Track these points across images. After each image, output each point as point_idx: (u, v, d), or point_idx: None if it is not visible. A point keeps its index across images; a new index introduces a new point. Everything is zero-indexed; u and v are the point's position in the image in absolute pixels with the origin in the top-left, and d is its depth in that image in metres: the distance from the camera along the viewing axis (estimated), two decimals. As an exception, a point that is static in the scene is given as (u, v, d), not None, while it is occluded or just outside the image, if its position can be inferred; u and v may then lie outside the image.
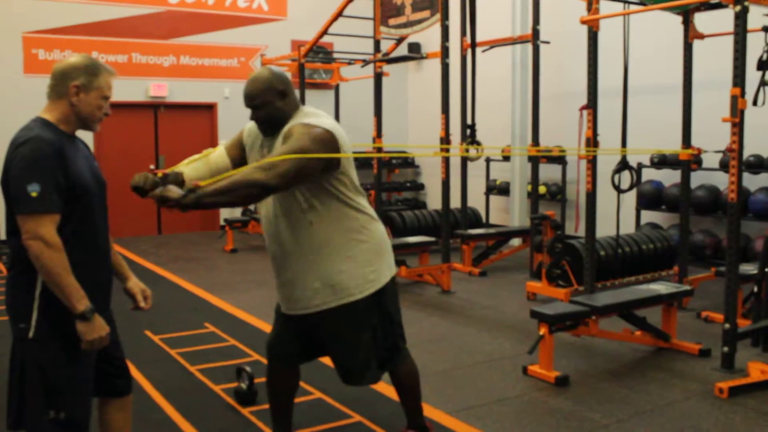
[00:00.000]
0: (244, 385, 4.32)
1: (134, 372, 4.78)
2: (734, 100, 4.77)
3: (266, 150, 3.15)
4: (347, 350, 3.24)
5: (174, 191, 2.70)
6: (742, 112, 4.79)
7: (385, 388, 4.35)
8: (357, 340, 3.20)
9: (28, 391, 2.59)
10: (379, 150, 9.22)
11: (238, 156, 3.33)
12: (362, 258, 3.15)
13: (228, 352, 5.39)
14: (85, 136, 2.79)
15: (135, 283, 2.97)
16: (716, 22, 6.59)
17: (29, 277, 2.56)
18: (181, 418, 4.12)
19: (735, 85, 4.77)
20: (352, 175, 3.15)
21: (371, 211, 3.24)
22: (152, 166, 11.86)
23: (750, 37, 4.82)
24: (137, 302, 2.96)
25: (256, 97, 3.07)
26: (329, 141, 2.96)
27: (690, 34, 6.36)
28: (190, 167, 3.27)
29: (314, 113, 3.12)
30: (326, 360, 3.50)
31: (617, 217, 6.26)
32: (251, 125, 3.29)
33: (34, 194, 2.44)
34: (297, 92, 3.23)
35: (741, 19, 4.74)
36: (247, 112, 3.15)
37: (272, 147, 3.10)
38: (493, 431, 3.94)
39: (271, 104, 3.07)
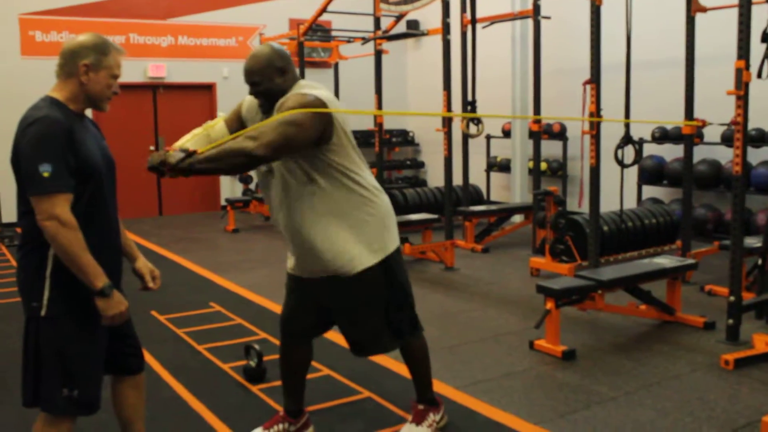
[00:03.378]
0: (252, 363, 4.34)
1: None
2: (739, 72, 4.75)
3: None
4: (352, 321, 3.28)
5: (174, 156, 2.75)
6: (746, 85, 4.78)
7: (393, 364, 4.37)
8: (363, 310, 3.23)
9: (42, 369, 2.60)
10: (380, 127, 9.20)
11: (238, 128, 3.31)
12: (365, 229, 3.15)
13: (235, 330, 5.41)
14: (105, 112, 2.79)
15: (143, 264, 2.98)
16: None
17: (41, 256, 2.56)
18: (191, 396, 4.14)
19: (739, 57, 4.76)
20: (350, 147, 3.13)
21: (375, 183, 3.25)
22: (152, 147, 11.84)
23: (754, 9, 4.80)
24: (146, 282, 2.96)
25: (256, 73, 3.07)
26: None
27: (692, 8, 6.33)
28: (191, 142, 3.29)
29: (310, 85, 3.12)
30: (335, 337, 3.53)
31: (621, 192, 6.25)
32: (250, 98, 3.28)
33: (46, 174, 2.44)
34: (297, 71, 3.21)
35: (745, -10, 4.72)
36: (247, 91, 3.16)
37: None
38: (502, 405, 3.97)
39: (270, 81, 3.07)
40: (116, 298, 2.59)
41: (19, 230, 2.69)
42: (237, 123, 3.33)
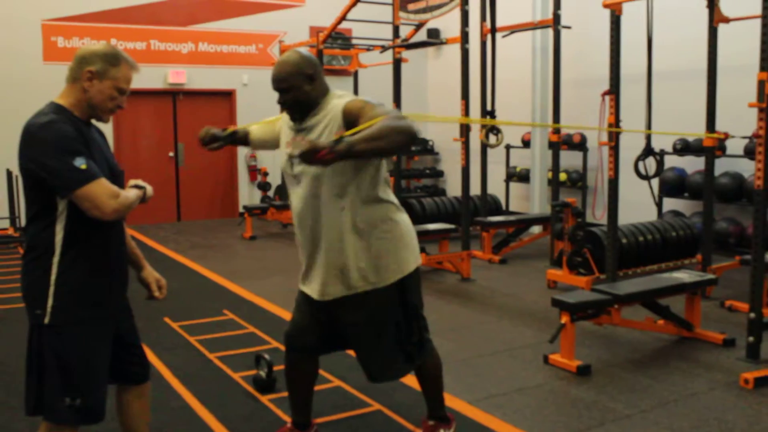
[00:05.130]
0: (263, 373, 4.30)
1: (153, 359, 4.77)
2: (761, 84, 4.66)
3: (299, 132, 3.11)
4: (367, 342, 3.20)
5: (321, 141, 2.58)
6: (769, 97, 4.69)
7: (405, 377, 4.30)
8: (377, 331, 3.17)
9: (45, 377, 2.58)
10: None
11: (270, 134, 3.51)
12: (386, 247, 3.10)
13: (247, 339, 5.37)
14: (104, 124, 2.77)
15: (149, 273, 2.95)
16: (742, 4, 6.47)
17: (45, 263, 2.54)
18: (199, 405, 4.11)
19: (762, 69, 4.67)
20: (383, 163, 3.13)
21: (396, 201, 3.21)
22: (171, 154, 11.88)
23: (778, 20, 4.71)
24: (152, 291, 2.94)
25: (284, 80, 3.02)
26: None
27: (715, 18, 6.24)
28: (258, 128, 3.57)
29: (350, 95, 3.10)
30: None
31: (657, 204, 6.16)
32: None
33: (83, 166, 2.45)
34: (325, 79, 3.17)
35: (769, 1, 4.64)
36: (266, 98, 3.14)
37: (308, 130, 3.06)
38: (514, 421, 3.90)
39: (298, 88, 3.02)
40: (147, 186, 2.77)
41: None
42: (272, 127, 3.49)
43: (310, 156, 2.50)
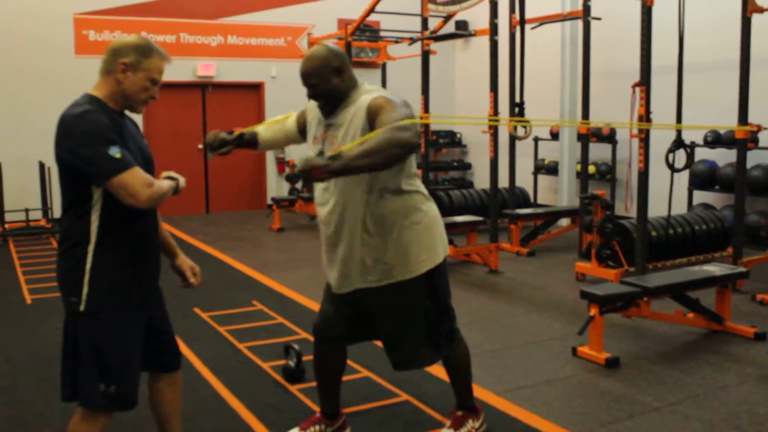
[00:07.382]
0: (292, 363, 4.34)
1: (183, 348, 4.83)
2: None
3: (329, 128, 3.11)
4: (395, 332, 3.20)
5: (318, 159, 2.59)
6: (803, 88, 4.63)
7: (433, 367, 4.32)
8: (406, 321, 3.17)
9: (80, 364, 2.63)
10: (427, 128, 9.15)
11: (304, 125, 3.37)
12: (414, 238, 3.10)
13: (276, 329, 5.42)
14: (135, 116, 2.81)
15: (183, 260, 2.99)
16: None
17: (80, 252, 2.58)
18: (229, 394, 4.16)
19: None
20: (413, 156, 3.12)
21: (425, 191, 3.20)
22: (200, 146, 11.96)
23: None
24: (186, 279, 2.98)
25: (312, 75, 3.02)
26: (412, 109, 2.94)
27: (749, 8, 6.16)
28: (266, 129, 3.45)
29: (377, 89, 3.09)
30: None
31: (683, 196, 6.11)
32: (313, 102, 3.27)
33: (118, 155, 2.48)
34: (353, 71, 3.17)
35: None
36: (295, 91, 3.15)
37: (336, 125, 3.07)
38: (542, 413, 3.90)
39: (327, 82, 3.02)
40: (181, 179, 2.82)
41: None
42: (303, 119, 3.39)
43: (307, 174, 2.57)
